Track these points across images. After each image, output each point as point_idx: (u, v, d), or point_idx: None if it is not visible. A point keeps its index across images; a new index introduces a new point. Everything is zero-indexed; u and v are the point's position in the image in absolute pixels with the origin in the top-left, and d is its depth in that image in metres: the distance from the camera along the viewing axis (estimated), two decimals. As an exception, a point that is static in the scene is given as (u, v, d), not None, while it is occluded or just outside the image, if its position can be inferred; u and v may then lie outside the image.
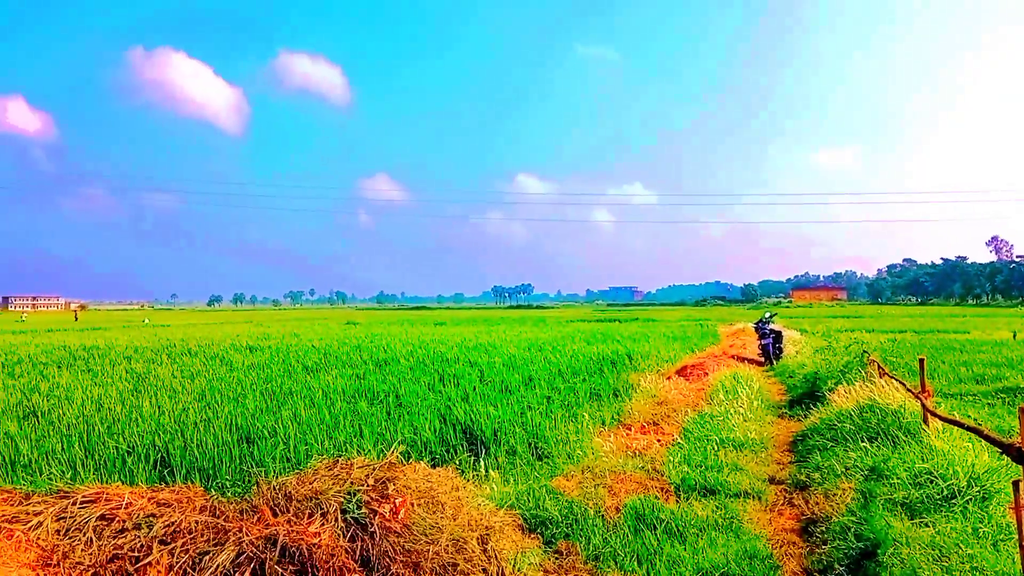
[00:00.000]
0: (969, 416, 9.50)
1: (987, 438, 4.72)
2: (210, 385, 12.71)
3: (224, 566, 3.73)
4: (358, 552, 4.21)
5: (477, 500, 5.71)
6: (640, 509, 6.38)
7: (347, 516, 4.38)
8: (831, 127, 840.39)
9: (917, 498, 6.01)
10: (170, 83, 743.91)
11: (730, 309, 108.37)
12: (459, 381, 13.05)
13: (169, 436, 7.99)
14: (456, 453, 8.16)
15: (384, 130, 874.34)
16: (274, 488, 4.66)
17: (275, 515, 4.31)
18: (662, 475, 7.75)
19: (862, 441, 8.07)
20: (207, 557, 3.77)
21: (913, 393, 8.59)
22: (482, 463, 7.90)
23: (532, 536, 5.89)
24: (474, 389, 12.00)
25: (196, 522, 4.02)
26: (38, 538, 3.74)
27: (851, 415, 9.08)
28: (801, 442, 9.44)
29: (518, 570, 5.11)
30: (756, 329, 23.29)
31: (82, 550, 3.70)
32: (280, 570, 3.79)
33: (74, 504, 4.07)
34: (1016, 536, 4.12)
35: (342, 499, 4.50)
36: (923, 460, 6.68)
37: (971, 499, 5.72)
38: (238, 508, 4.44)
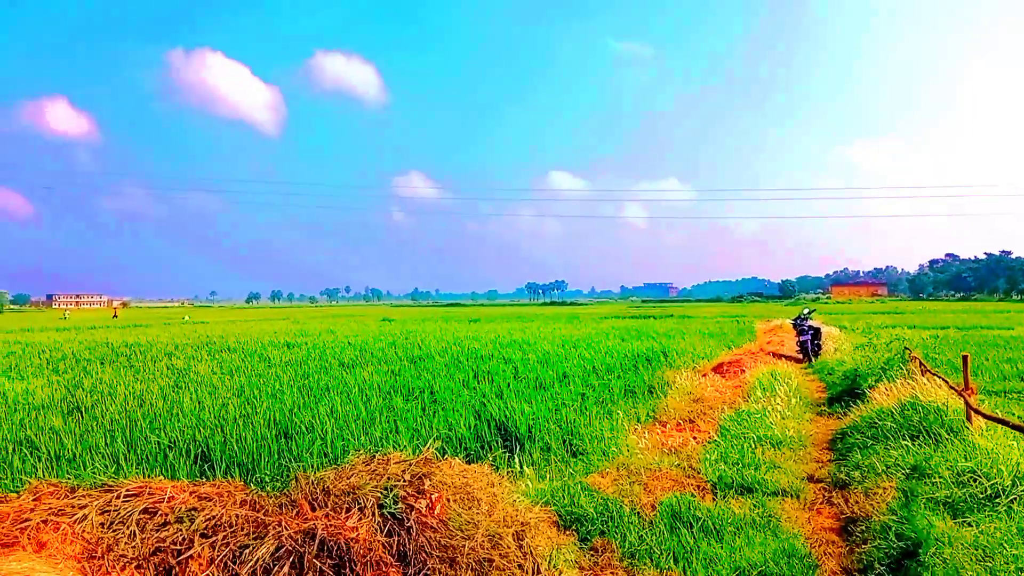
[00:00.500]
0: (1014, 414, 9.27)
1: (1034, 437, 4.61)
2: (249, 381, 12.87)
3: (264, 559, 3.78)
4: (395, 547, 4.24)
5: (512, 496, 5.72)
6: (676, 507, 6.34)
7: (384, 511, 4.41)
8: (867, 120, 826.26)
9: (960, 497, 5.89)
10: (209, 84, 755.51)
11: (767, 305, 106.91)
12: (493, 378, 13.06)
13: (209, 431, 8.10)
14: (491, 449, 8.17)
15: (418, 128, 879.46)
16: (312, 483, 4.71)
17: (313, 509, 4.36)
18: (698, 473, 7.68)
19: (903, 439, 7.93)
20: (247, 550, 3.83)
21: (956, 390, 8.43)
22: (517, 459, 7.90)
23: (567, 533, 5.87)
24: (508, 386, 12.00)
25: (236, 516, 4.08)
26: (83, 531, 3.82)
27: (892, 413, 8.92)
28: (841, 440, 9.30)
29: (554, 567, 5.10)
30: (794, 326, 22.96)
31: (125, 543, 3.78)
32: (319, 564, 3.84)
33: (118, 498, 4.16)
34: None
35: (379, 494, 4.53)
36: (966, 459, 6.55)
37: (1016, 498, 5.58)
38: (277, 502, 4.50)
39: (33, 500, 4.12)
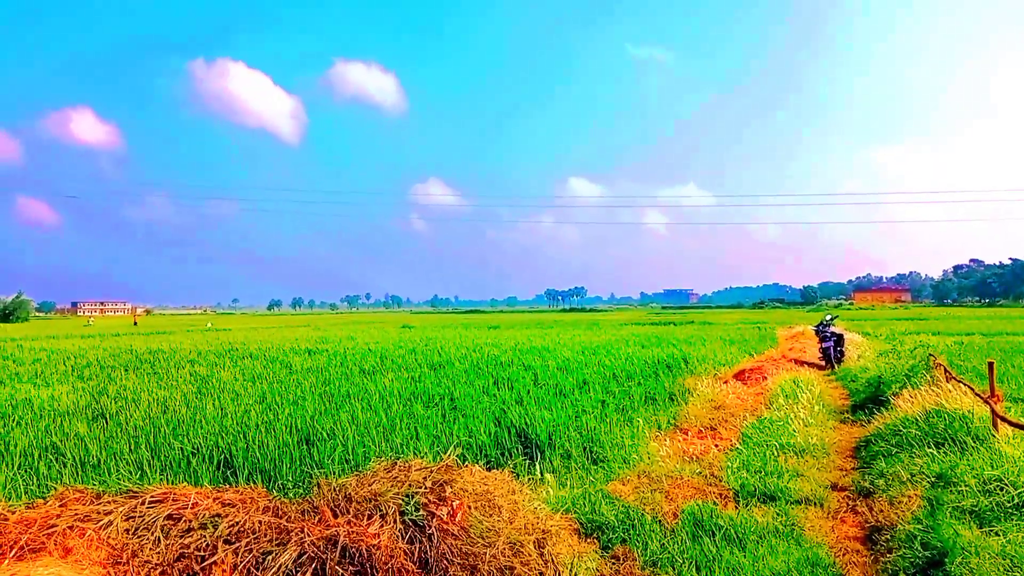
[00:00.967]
0: (1043, 422, 9.13)
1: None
2: (271, 388, 12.96)
3: (287, 566, 3.80)
4: (416, 554, 4.25)
5: (533, 504, 5.71)
6: (698, 515, 6.30)
7: (405, 518, 4.42)
8: (891, 124, 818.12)
9: (986, 506, 5.83)
10: (231, 93, 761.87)
11: (788, 312, 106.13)
12: (513, 384, 13.06)
13: (232, 437, 8.16)
14: (511, 456, 8.16)
15: (437, 135, 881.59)
16: (334, 489, 4.73)
17: (335, 516, 4.38)
18: (720, 481, 7.63)
19: (928, 447, 7.84)
20: (270, 557, 3.85)
21: (982, 398, 8.33)
22: (537, 466, 7.89)
23: (588, 541, 5.86)
24: (528, 392, 11.99)
25: (259, 522, 4.10)
26: (108, 537, 3.86)
27: (917, 420, 8.83)
28: (864, 448, 9.20)
29: (575, 574, 5.09)
30: (816, 332, 22.78)
31: (150, 549, 3.82)
32: (341, 570, 3.85)
33: (143, 504, 4.20)
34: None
35: (400, 501, 4.54)
36: (992, 467, 6.48)
37: (1045, 508, 5.51)
38: (299, 509, 4.53)
39: (59, 506, 4.17)
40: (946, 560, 5.04)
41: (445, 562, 4.28)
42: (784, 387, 13.61)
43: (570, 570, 5.07)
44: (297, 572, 3.81)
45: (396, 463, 5.30)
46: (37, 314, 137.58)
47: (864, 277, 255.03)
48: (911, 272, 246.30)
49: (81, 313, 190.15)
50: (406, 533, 4.34)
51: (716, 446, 9.40)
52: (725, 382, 15.01)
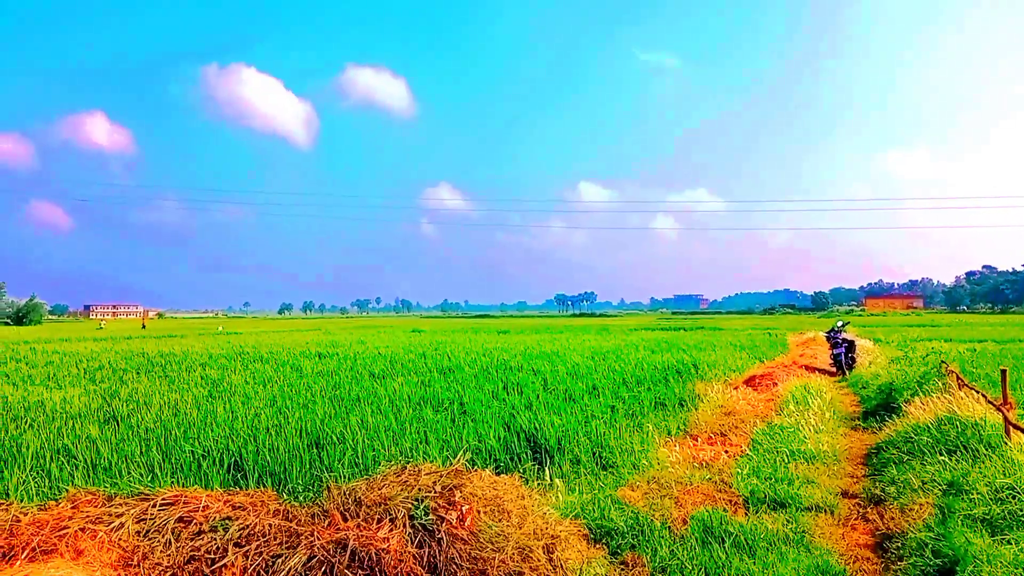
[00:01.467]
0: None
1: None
2: (281, 391, 13.00)
3: (296, 569, 3.82)
4: (426, 558, 4.25)
5: (542, 509, 5.71)
6: (708, 521, 6.28)
7: (415, 522, 4.43)
8: (903, 129, 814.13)
9: (999, 514, 5.78)
10: (242, 98, 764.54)
11: (799, 317, 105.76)
12: (523, 389, 13.06)
13: (242, 441, 8.18)
14: (520, 461, 8.15)
15: (447, 141, 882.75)
16: (344, 493, 4.74)
17: (345, 520, 4.39)
18: (730, 487, 7.60)
19: (940, 454, 7.79)
20: (280, 560, 3.86)
21: (995, 405, 8.27)
22: (546, 471, 7.88)
23: (598, 546, 5.84)
24: (538, 397, 11.99)
25: (269, 525, 4.12)
26: (120, 539, 3.88)
27: (929, 428, 8.77)
28: (876, 455, 9.15)
29: (584, 580, 5.08)
30: (827, 338, 22.65)
31: (161, 551, 3.84)
32: (350, 574, 3.86)
33: (154, 506, 4.22)
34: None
35: (410, 505, 4.55)
36: (1005, 475, 6.42)
37: (1060, 517, 5.47)
38: (309, 512, 4.54)
39: (71, 508, 4.19)
40: (958, 569, 5.00)
41: (454, 567, 4.28)
42: (795, 393, 13.56)
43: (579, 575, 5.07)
44: (307, 575, 3.82)
45: (406, 467, 5.31)
46: (50, 317, 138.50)
47: (876, 283, 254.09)
48: (923, 278, 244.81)
49: (93, 316, 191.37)
50: (416, 537, 4.34)
51: (726, 452, 9.37)
52: (735, 388, 14.96)
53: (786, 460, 8.73)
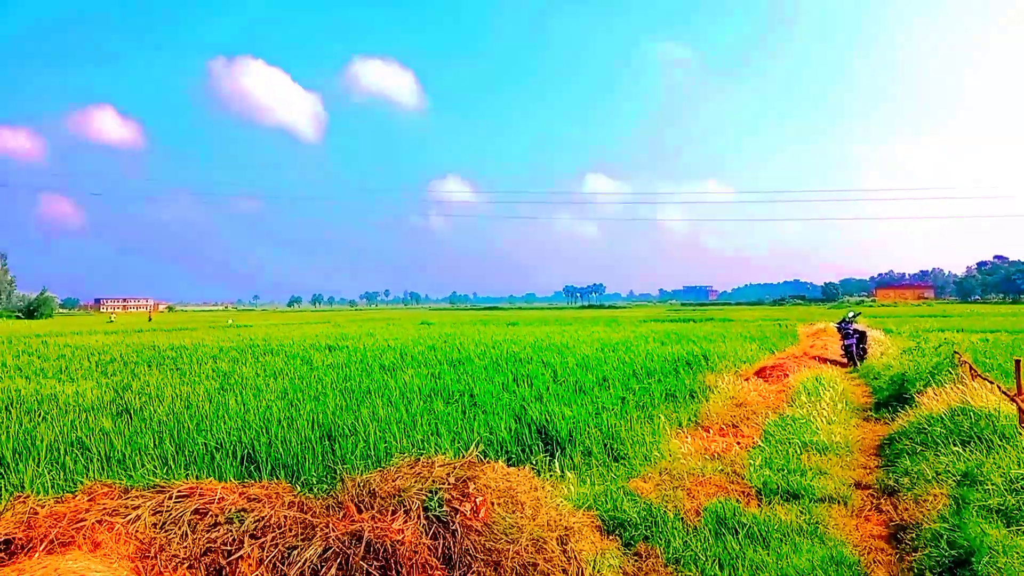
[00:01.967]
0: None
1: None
2: (292, 384, 13.05)
3: (312, 561, 3.83)
4: (440, 549, 4.26)
5: (555, 500, 5.71)
6: (721, 512, 6.27)
7: (429, 514, 4.43)
8: (913, 119, 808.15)
9: (1014, 505, 5.77)
10: (250, 91, 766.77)
11: (810, 308, 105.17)
12: (533, 381, 13.06)
13: (255, 433, 8.21)
14: (532, 453, 8.16)
15: (455, 132, 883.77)
16: (358, 485, 4.75)
17: (359, 511, 4.40)
18: (742, 478, 7.59)
19: (954, 445, 7.77)
20: (295, 551, 3.87)
21: (1008, 396, 8.23)
22: (557, 463, 7.88)
23: (611, 538, 5.84)
24: (548, 389, 11.99)
25: (284, 517, 4.13)
26: (136, 531, 3.90)
27: (942, 418, 8.74)
28: (888, 446, 9.12)
29: (597, 572, 5.08)
30: (838, 329, 22.58)
31: (178, 543, 3.85)
32: (365, 565, 3.87)
33: (170, 498, 4.24)
34: None
35: (424, 497, 4.56)
36: (1020, 465, 6.43)
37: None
38: (324, 504, 4.55)
39: (88, 500, 4.21)
40: (973, 559, 4.99)
41: (468, 558, 4.28)
42: (806, 384, 13.51)
43: (593, 567, 5.07)
44: (322, 567, 3.83)
45: (419, 459, 5.32)
46: (61, 310, 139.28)
47: (886, 274, 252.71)
48: (934, 268, 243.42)
49: (104, 310, 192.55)
50: (430, 529, 4.35)
51: (738, 444, 9.35)
52: (746, 379, 14.91)
53: (798, 451, 8.71)
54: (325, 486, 6.01)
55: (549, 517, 5.10)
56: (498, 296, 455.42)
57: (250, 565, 3.75)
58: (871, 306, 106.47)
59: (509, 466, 5.98)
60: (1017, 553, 4.88)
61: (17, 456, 7.43)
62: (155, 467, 7.00)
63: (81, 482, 5.82)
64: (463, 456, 5.56)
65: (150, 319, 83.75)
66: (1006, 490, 6.02)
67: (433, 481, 4.77)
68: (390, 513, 4.37)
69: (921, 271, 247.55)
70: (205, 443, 7.84)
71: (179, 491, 4.33)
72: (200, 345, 24.45)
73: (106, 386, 13.21)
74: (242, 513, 4.12)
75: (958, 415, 8.59)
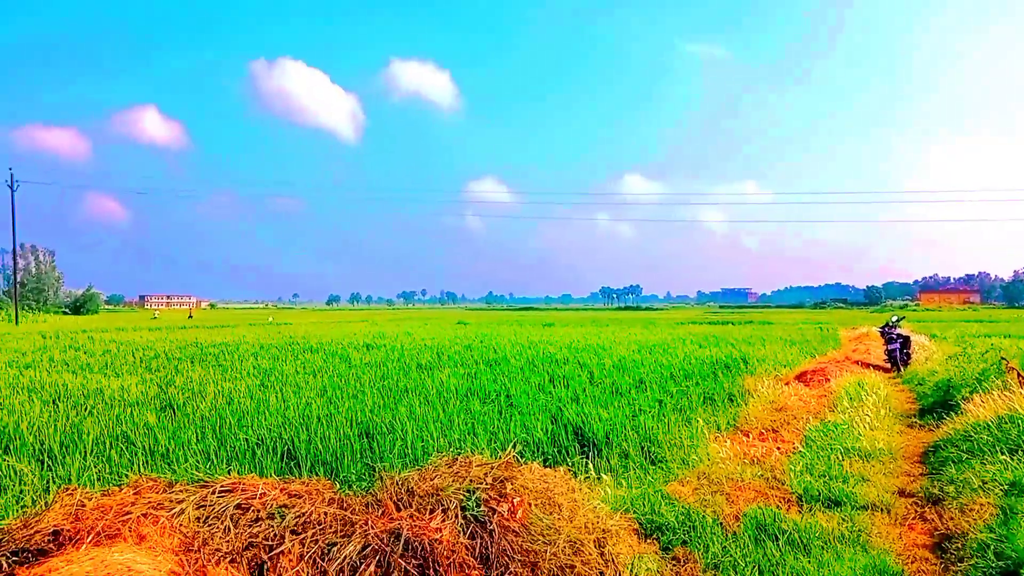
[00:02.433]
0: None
1: None
2: (331, 381, 13.18)
3: (351, 557, 3.86)
4: (478, 549, 4.27)
5: (592, 502, 5.69)
6: (761, 518, 6.19)
7: (467, 513, 4.44)
8: (961, 118, 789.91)
9: (1066, 516, 5.59)
10: (290, 91, 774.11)
11: (852, 312, 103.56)
12: (569, 382, 13.04)
13: (295, 430, 8.31)
14: (568, 454, 8.14)
15: (491, 133, 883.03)
16: (397, 483, 4.78)
17: (398, 509, 4.43)
18: (783, 484, 7.48)
19: (1001, 454, 7.57)
20: (335, 548, 3.91)
21: (1060, 404, 8.01)
22: (593, 465, 7.85)
23: (648, 541, 5.80)
24: (584, 390, 11.97)
25: (324, 514, 4.17)
26: (180, 525, 3.97)
27: (989, 426, 8.54)
28: (933, 453, 8.92)
29: (635, 575, 5.05)
30: (882, 333, 22.15)
31: (220, 537, 3.91)
32: (404, 563, 3.89)
33: (212, 493, 4.31)
34: None
35: (462, 496, 4.57)
36: (1071, 476, 6.22)
37: None
38: (363, 501, 4.59)
39: (134, 494, 4.30)
40: (1021, 571, 4.86)
41: (506, 558, 4.29)
42: (848, 389, 13.28)
43: (630, 570, 5.04)
44: (361, 563, 3.87)
45: (457, 458, 5.34)
46: (106, 307, 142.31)
47: (931, 277, 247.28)
48: (980, 272, 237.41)
49: (148, 307, 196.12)
50: (467, 528, 4.36)
51: (778, 449, 9.22)
52: (786, 383, 14.71)
53: (840, 457, 8.56)
54: (364, 483, 6.06)
55: (586, 519, 5.08)
56: (534, 297, 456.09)
57: (291, 560, 3.80)
58: (915, 310, 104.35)
59: (545, 467, 5.98)
60: (1068, 566, 4.75)
61: (64, 449, 7.61)
62: (198, 462, 7.12)
63: (126, 475, 5.95)
64: (500, 456, 5.57)
65: (190, 316, 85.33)
66: (1057, 501, 5.87)
67: (470, 481, 4.79)
68: (428, 512, 4.39)
69: (966, 275, 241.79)
70: (247, 439, 7.96)
71: (222, 486, 4.40)
72: (241, 342, 24.82)
73: (150, 381, 13.46)
74: (283, 509, 4.18)
75: (1006, 423, 8.39)
